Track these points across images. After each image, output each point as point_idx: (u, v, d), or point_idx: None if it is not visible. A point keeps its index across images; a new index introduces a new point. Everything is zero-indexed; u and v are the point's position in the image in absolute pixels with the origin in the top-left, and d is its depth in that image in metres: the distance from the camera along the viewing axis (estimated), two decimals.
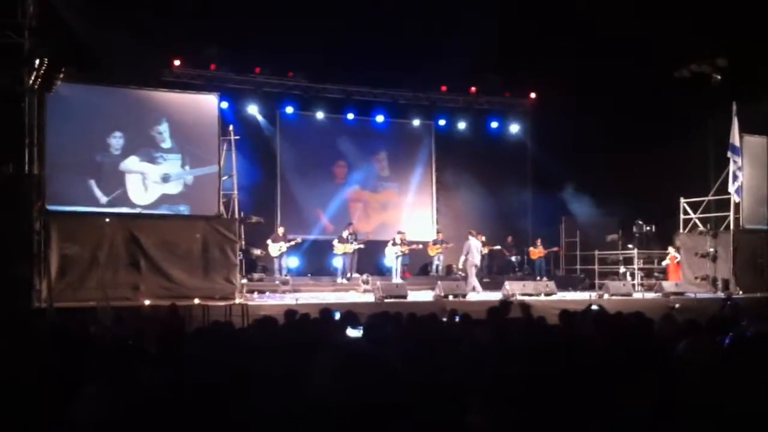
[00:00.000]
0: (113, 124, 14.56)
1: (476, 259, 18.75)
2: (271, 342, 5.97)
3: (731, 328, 5.47)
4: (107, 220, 14.11)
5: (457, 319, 9.03)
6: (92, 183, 14.38)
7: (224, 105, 18.06)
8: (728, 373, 3.25)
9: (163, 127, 14.87)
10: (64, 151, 13.91)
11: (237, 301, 14.14)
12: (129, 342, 5.72)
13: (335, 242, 19.94)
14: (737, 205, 18.93)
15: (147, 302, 13.46)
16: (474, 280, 18.49)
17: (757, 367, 3.33)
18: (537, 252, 22.13)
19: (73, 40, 13.90)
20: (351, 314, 8.37)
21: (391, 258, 19.90)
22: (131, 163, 14.68)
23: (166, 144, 14.99)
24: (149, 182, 14.84)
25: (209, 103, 15.51)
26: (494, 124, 24.33)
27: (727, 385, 3.17)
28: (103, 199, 14.46)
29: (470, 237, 18.97)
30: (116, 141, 14.52)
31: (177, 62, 19.69)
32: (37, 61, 11.86)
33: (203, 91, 16.78)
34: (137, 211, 14.71)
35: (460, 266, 19.35)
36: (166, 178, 14.99)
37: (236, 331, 7.38)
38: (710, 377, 3.26)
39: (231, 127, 16.07)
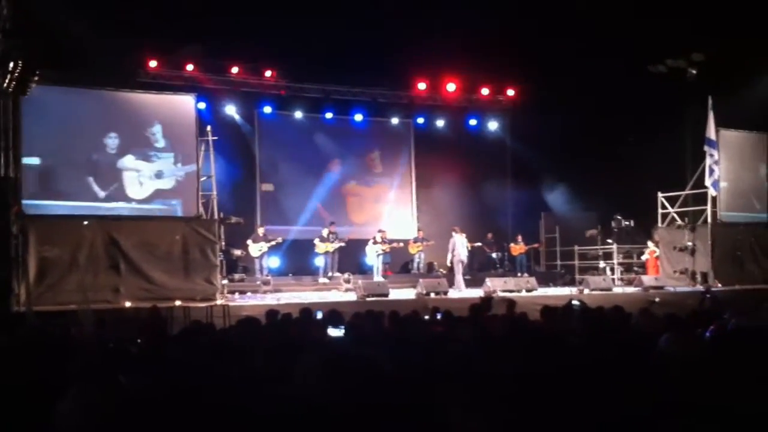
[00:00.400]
0: (107, 125, 14.99)
1: (462, 255, 18.76)
2: (253, 343, 5.96)
3: (712, 322, 5.52)
4: (86, 222, 14.04)
5: (438, 316, 9.06)
6: (90, 180, 14.83)
7: (201, 106, 17.95)
8: (710, 367, 3.29)
9: (156, 129, 15.23)
10: (61, 150, 14.59)
11: (218, 302, 14.10)
12: (110, 345, 5.68)
13: (316, 241, 19.90)
14: (714, 199, 19.12)
15: (128, 304, 13.40)
16: (459, 277, 18.57)
17: (739, 360, 3.36)
18: (518, 248, 22.21)
19: (49, 42, 13.77)
20: (335, 313, 8.36)
21: (372, 256, 19.91)
22: (127, 161, 15.06)
23: (160, 144, 15.28)
24: (144, 178, 15.13)
25: (186, 103, 15.46)
26: (473, 122, 24.37)
27: (710, 379, 3.20)
28: (101, 193, 14.85)
29: (454, 233, 18.98)
30: (111, 141, 14.95)
31: (153, 63, 19.54)
32: (11, 64, 11.73)
33: (180, 92, 16.67)
34: (133, 205, 15.01)
35: (448, 264, 19.37)
36: (159, 175, 15.21)
37: (218, 332, 7.37)
38: (692, 371, 3.29)
39: (209, 128, 16.02)
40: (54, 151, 14.54)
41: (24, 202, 13.32)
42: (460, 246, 18.72)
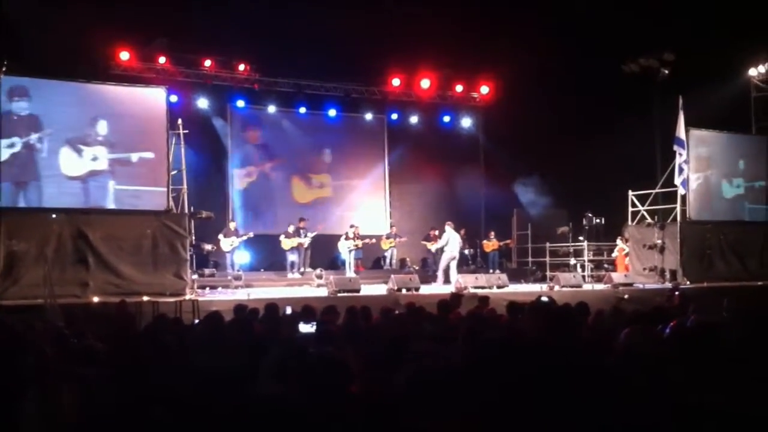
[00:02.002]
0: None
1: (455, 252, 18.69)
2: (218, 339, 5.92)
3: (678, 318, 5.57)
4: (54, 216, 13.89)
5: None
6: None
7: (173, 99, 17.79)
8: (668, 363, 3.32)
9: (101, 124, 14.76)
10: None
11: (187, 297, 13.99)
12: (73, 341, 5.62)
13: (281, 237, 19.81)
14: (684, 198, 19.31)
15: (96, 299, 13.26)
16: (440, 271, 18.61)
17: (697, 355, 3.40)
18: (491, 245, 22.29)
19: (16, 34, 13.62)
20: (306, 309, 8.32)
21: (344, 252, 19.89)
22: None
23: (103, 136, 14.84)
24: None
25: (157, 96, 15.29)
26: (446, 118, 24.42)
27: (667, 375, 3.23)
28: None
29: (448, 228, 18.75)
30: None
31: (125, 55, 19.37)
32: None
33: (151, 85, 16.50)
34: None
35: (433, 250, 19.39)
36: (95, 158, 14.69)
37: (184, 327, 7.32)
38: (650, 367, 3.31)
39: (179, 121, 15.89)
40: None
41: None
42: (454, 242, 18.62)
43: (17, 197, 14.07)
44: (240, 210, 21.74)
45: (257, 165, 22.33)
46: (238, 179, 22.03)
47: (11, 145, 14.01)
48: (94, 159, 14.65)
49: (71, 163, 14.44)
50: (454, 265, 18.50)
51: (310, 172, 23.09)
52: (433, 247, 20.51)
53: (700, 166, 19.98)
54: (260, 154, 22.37)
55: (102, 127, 14.70)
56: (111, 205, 14.72)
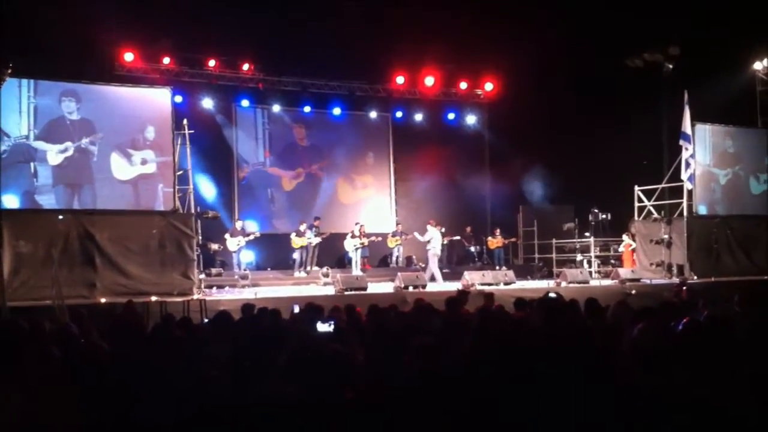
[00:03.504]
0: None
1: (437, 249, 18.85)
2: (226, 338, 5.92)
3: (688, 313, 5.55)
4: (61, 217, 13.94)
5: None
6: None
7: (178, 99, 17.79)
8: (680, 358, 3.30)
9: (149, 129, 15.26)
10: None
11: (195, 296, 14.02)
12: (81, 341, 5.62)
13: (293, 236, 19.81)
14: (690, 192, 19.26)
15: (103, 300, 13.29)
16: (436, 270, 18.62)
17: (710, 350, 3.38)
18: (495, 242, 22.26)
19: (22, 35, 13.63)
20: (319, 308, 8.26)
21: (351, 250, 19.88)
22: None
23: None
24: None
25: (162, 97, 15.33)
26: (451, 116, 24.38)
27: (680, 370, 3.21)
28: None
29: (429, 227, 19.06)
30: None
31: (129, 56, 19.37)
32: None
33: (156, 85, 16.52)
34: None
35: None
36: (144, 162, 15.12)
37: (193, 327, 7.31)
38: (663, 362, 3.30)
39: (185, 122, 15.90)
40: None
41: None
42: (435, 240, 18.78)
43: (72, 200, 14.50)
44: (246, 209, 21.73)
45: (263, 163, 22.36)
46: (244, 178, 22.04)
47: (64, 150, 14.40)
48: (144, 163, 15.01)
49: (121, 166, 14.91)
50: (436, 260, 18.87)
51: (317, 171, 23.06)
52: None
53: (726, 161, 20.03)
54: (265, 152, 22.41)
55: (150, 132, 15.14)
56: (161, 207, 15.13)
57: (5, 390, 3.68)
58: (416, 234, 19.75)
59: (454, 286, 15.32)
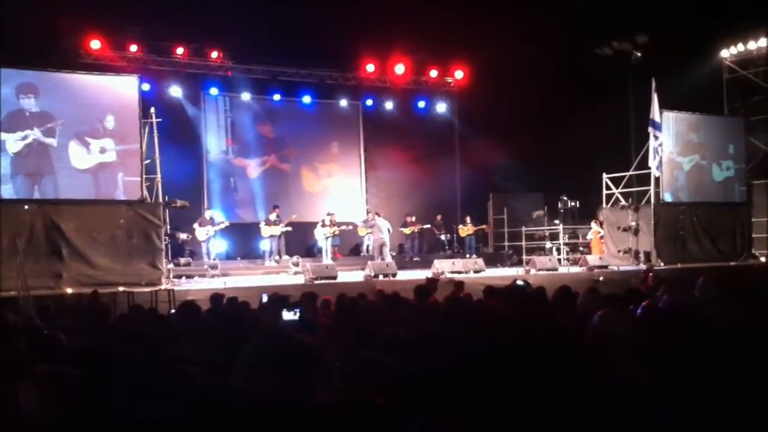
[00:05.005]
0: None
1: (385, 238, 19.10)
2: (194, 328, 5.89)
3: (648, 299, 5.61)
4: (26, 207, 13.76)
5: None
6: None
7: (146, 87, 17.57)
8: (639, 344, 3.34)
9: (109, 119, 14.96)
10: None
11: (163, 286, 13.93)
12: (44, 332, 5.55)
13: (262, 225, 19.73)
14: (657, 180, 19.46)
15: (69, 290, 13.15)
16: (389, 258, 18.79)
17: (668, 336, 3.42)
18: (466, 230, 22.34)
19: None
20: (285, 297, 8.25)
21: (321, 239, 19.84)
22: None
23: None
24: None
25: (129, 85, 15.15)
26: (421, 104, 24.37)
27: (638, 356, 3.25)
28: None
29: (377, 217, 19.48)
30: None
31: (96, 44, 19.10)
32: None
33: (123, 73, 16.33)
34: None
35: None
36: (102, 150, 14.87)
37: (159, 317, 7.27)
38: (622, 348, 3.33)
39: (152, 110, 15.74)
40: None
41: None
42: (380, 230, 19.11)
43: (32, 189, 14.23)
44: (217, 198, 21.61)
45: (233, 152, 22.22)
46: (212, 167, 21.88)
47: (24, 137, 14.17)
48: (103, 151, 14.76)
49: (79, 155, 14.62)
50: (386, 251, 19.12)
51: (285, 158, 22.96)
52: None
53: (689, 149, 20.24)
54: (235, 140, 22.25)
55: (110, 121, 14.89)
56: (121, 196, 14.89)
57: None
58: (404, 230, 19.86)
59: (424, 275, 15.36)
